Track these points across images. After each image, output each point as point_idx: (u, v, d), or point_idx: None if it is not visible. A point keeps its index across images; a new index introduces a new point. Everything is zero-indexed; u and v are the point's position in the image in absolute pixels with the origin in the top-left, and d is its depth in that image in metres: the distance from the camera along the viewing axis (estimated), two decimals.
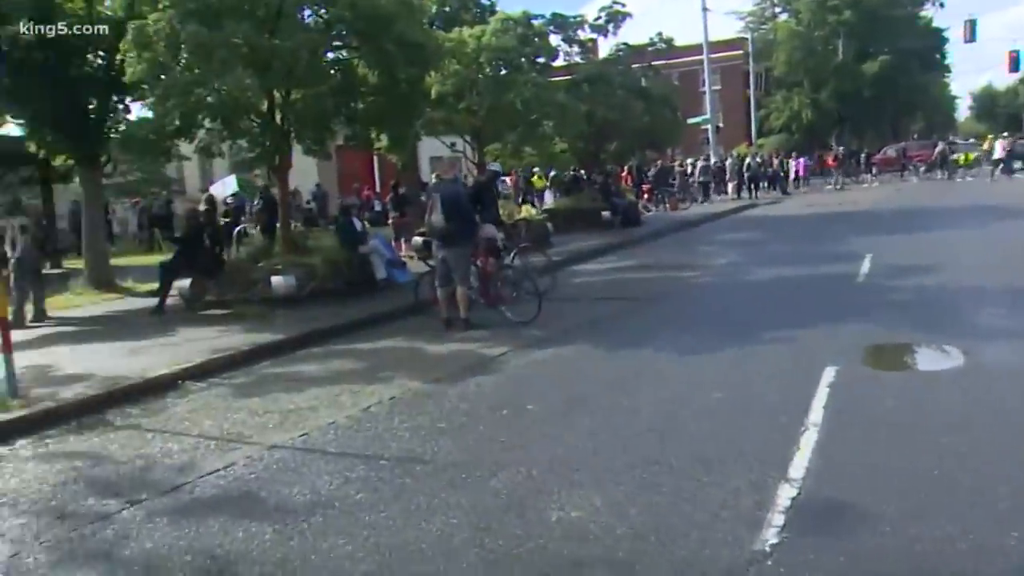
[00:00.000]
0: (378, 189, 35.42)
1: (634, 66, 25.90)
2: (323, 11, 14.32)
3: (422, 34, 14.34)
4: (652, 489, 5.31)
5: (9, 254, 13.94)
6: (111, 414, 8.12)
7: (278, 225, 15.93)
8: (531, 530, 4.84)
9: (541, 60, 20.73)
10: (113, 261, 18.99)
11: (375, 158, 35.91)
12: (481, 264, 11.65)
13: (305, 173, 27.07)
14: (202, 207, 16.71)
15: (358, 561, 4.63)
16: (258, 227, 20.00)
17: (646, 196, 31.10)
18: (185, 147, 15.81)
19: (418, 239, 19.03)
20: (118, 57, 17.88)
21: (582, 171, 28.55)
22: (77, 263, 20.67)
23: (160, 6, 12.99)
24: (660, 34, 27.04)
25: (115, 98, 18.40)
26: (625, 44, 26.00)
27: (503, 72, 18.98)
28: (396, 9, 13.41)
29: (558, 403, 7.46)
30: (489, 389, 8.09)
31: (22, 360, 8.93)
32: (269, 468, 6.27)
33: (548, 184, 29.57)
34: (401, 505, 5.34)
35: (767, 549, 4.40)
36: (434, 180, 26.38)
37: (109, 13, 17.23)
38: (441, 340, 10.45)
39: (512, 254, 13.31)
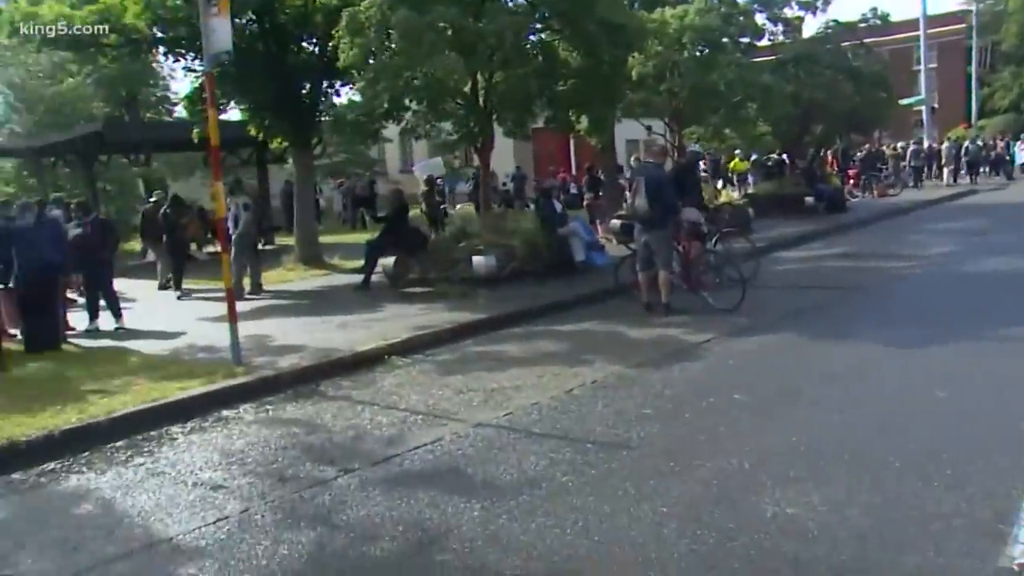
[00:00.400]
0: (573, 172, 35.46)
1: (843, 44, 24.63)
2: None
3: (624, 15, 14.17)
4: (874, 490, 4.98)
5: (231, 230, 14.87)
6: (324, 384, 8.48)
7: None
8: (744, 524, 4.64)
9: (745, 40, 20.03)
10: (320, 239, 19.87)
11: (571, 141, 35.99)
12: (683, 248, 11.40)
13: (500, 155, 27.51)
14: (422, 188, 17.20)
15: (567, 544, 4.58)
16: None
17: (852, 181, 29.60)
18: (387, 130, 16.41)
19: (615, 222, 18.91)
20: (331, 44, 18.82)
21: (784, 155, 27.50)
22: (287, 240, 21.85)
23: None
24: (875, 10, 25.62)
25: (326, 83, 19.30)
26: (835, 21, 24.79)
27: (706, 52, 18.46)
28: None
29: (768, 394, 7.16)
30: (694, 376, 7.87)
31: (243, 330, 9.44)
32: (475, 445, 6.33)
33: (750, 168, 28.65)
34: (609, 490, 5.25)
35: (1014, 568, 4.01)
36: (633, 162, 26.16)
37: (324, 2, 17.99)
38: (642, 324, 10.29)
39: (715, 239, 12.95)
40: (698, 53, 18.44)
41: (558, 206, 15.32)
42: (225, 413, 7.68)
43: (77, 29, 16.49)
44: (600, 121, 16.12)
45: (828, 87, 22.22)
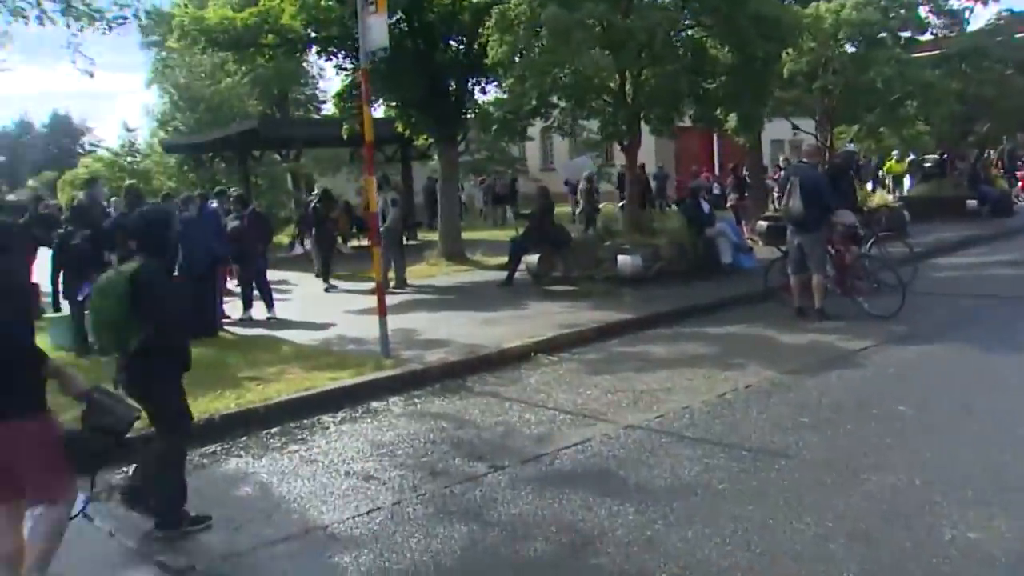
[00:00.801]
0: (716, 171, 34.73)
1: (1018, 35, 23.11)
2: None
3: (778, 9, 13.69)
4: None
5: (379, 225, 15.17)
6: (471, 380, 8.50)
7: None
8: (921, 546, 4.35)
9: (906, 34, 19.07)
10: (462, 235, 20.05)
11: (715, 140, 35.28)
12: (838, 252, 10.93)
13: (641, 154, 27.12)
14: (582, 185, 17.15)
15: (726, 554, 4.41)
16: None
17: (1021, 184, 27.84)
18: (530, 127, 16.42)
19: (762, 223, 18.39)
20: (477, 42, 18.98)
21: (944, 155, 26.09)
22: (429, 236, 22.17)
23: None
24: None
25: (472, 81, 19.48)
26: (1009, 10, 23.30)
27: (863, 48, 17.67)
28: None
29: (935, 407, 6.74)
30: (853, 385, 7.50)
31: (390, 323, 9.55)
32: (626, 447, 6.21)
33: (906, 169, 27.31)
34: (768, 500, 5.04)
35: None
36: (782, 162, 25.39)
37: (471, 1, 18.18)
38: (794, 330, 9.91)
39: (870, 243, 12.37)
40: (854, 48, 17.67)
41: (706, 206, 14.97)
42: (374, 405, 7.79)
43: (238, 30, 17.21)
44: (750, 120, 15.64)
45: (997, 83, 20.90)
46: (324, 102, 43.96)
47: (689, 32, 14.53)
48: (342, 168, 33.04)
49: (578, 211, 23.10)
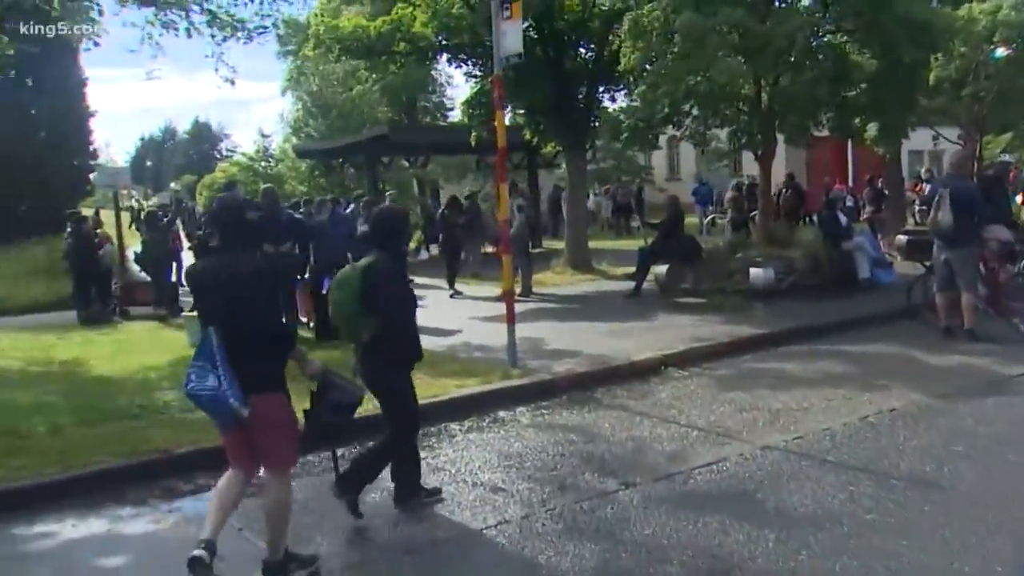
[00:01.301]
0: (850, 183, 33.53)
1: None
2: None
3: (928, 11, 13.04)
4: None
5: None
6: (599, 392, 8.32)
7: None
8: None
9: None
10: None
11: (849, 149, 34.09)
12: (990, 270, 10.29)
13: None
14: (729, 194, 16.82)
15: None
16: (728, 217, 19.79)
17: None
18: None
19: (902, 237, 17.56)
20: (607, 50, 18.80)
21: None
22: (554, 244, 22.07)
23: None
24: None
25: (601, 88, 19.32)
26: None
27: (1019, 51, 16.71)
28: None
29: None
30: (1013, 414, 6.97)
31: (517, 332, 9.45)
32: (764, 469, 5.92)
33: None
34: (922, 536, 4.69)
35: None
36: (924, 173, 24.28)
37: (602, 7, 18.02)
38: (941, 351, 9.34)
39: None
40: (1009, 52, 16.74)
41: (843, 218, 14.39)
42: (501, 414, 7.69)
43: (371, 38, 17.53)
44: (892, 129, 14.95)
45: None
46: (451, 109, 44.60)
47: (828, 37, 13.97)
48: (468, 175, 33.41)
49: (725, 220, 22.52)
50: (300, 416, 4.91)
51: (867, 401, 7.45)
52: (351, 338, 5.37)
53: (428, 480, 6.00)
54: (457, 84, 53.29)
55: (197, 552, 4.29)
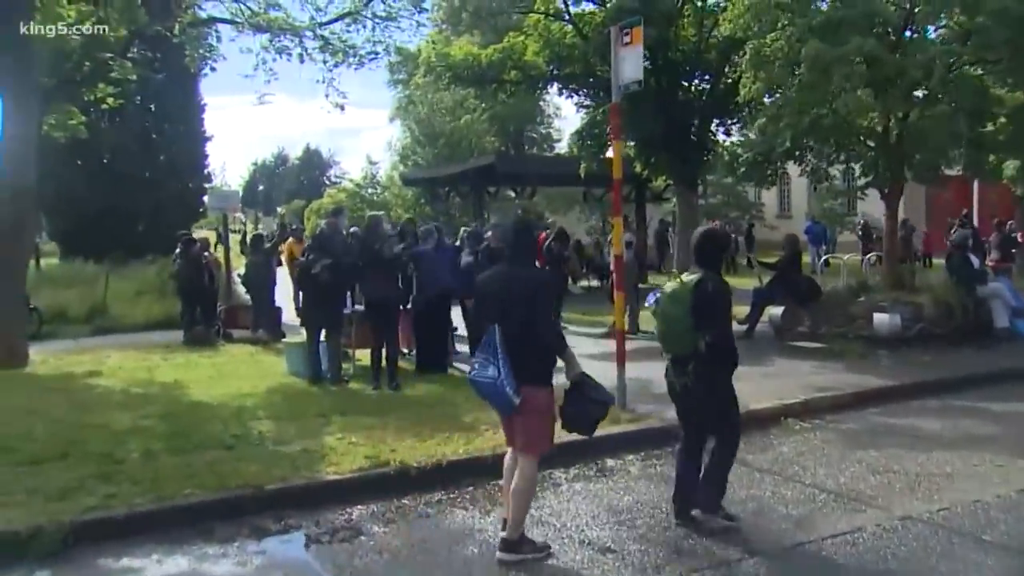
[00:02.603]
0: (975, 225, 31.84)
1: None
2: (954, 21, 12.74)
3: None
4: None
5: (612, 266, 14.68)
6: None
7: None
8: None
9: None
10: None
11: (975, 190, 32.47)
12: None
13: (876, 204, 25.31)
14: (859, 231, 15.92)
15: None
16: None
17: None
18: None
19: None
20: (722, 82, 18.24)
21: None
22: (659, 280, 21.41)
23: (779, 25, 12.62)
24: None
25: (715, 122, 18.75)
26: None
27: None
28: None
29: None
30: None
31: (625, 373, 8.95)
32: (907, 544, 5.26)
33: None
34: None
35: None
36: None
37: (720, 38, 17.51)
38: None
39: None
40: None
41: (975, 261, 13.41)
42: (609, 463, 7.18)
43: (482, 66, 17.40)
44: None
45: None
46: (558, 141, 44.53)
47: (966, 68, 13.09)
48: (574, 207, 33.02)
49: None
50: None
51: (1021, 470, 6.67)
52: (678, 349, 5.65)
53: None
54: (565, 115, 53.20)
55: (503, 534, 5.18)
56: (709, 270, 5.60)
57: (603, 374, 9.15)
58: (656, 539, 5.46)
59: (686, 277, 5.65)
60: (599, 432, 7.56)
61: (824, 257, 25.76)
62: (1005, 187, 26.50)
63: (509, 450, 5.47)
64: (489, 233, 14.77)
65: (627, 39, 8.22)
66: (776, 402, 8.74)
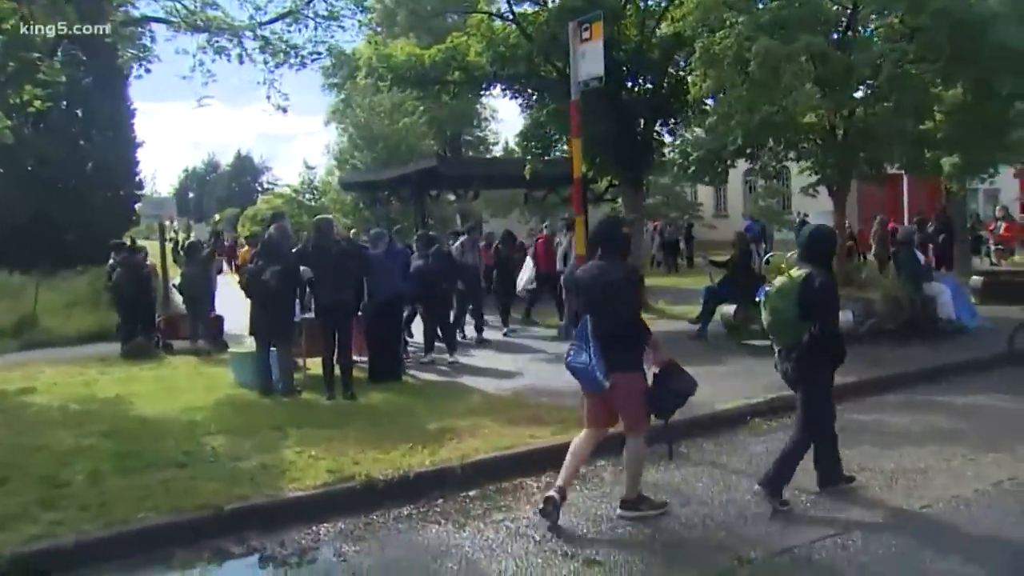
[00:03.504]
0: (905, 222, 32.48)
1: None
2: (897, 20, 12.82)
3: None
4: None
5: (560, 268, 14.54)
6: (684, 445, 7.52)
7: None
8: None
9: None
10: None
11: (904, 188, 33.13)
12: None
13: (812, 201, 25.58)
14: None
15: None
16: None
17: None
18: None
19: (976, 278, 16.74)
20: (665, 82, 18.21)
21: None
22: None
23: (728, 23, 12.59)
24: None
25: (659, 121, 18.71)
26: None
27: None
28: (998, 10, 11.53)
29: None
30: None
31: None
32: (896, 543, 5.15)
33: None
34: None
35: None
36: (997, 212, 23.32)
37: (662, 37, 17.50)
38: None
39: None
40: None
41: (921, 257, 13.55)
42: (581, 469, 6.95)
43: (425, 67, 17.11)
44: (976, 165, 14.15)
45: None
46: (495, 144, 44.41)
47: (909, 67, 13.18)
48: (514, 210, 32.83)
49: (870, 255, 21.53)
50: None
51: (994, 463, 6.65)
52: (785, 340, 5.93)
53: (512, 547, 5.31)
54: (502, 119, 53.14)
55: (551, 493, 5.67)
56: (817, 266, 5.84)
57: (565, 378, 9.07)
58: (644, 548, 5.27)
59: (794, 272, 5.92)
60: (568, 437, 7.45)
61: (765, 256, 25.98)
62: (933, 185, 27.08)
63: (585, 430, 6.00)
64: (464, 237, 14.63)
65: (587, 34, 8.05)
66: (742, 402, 8.66)
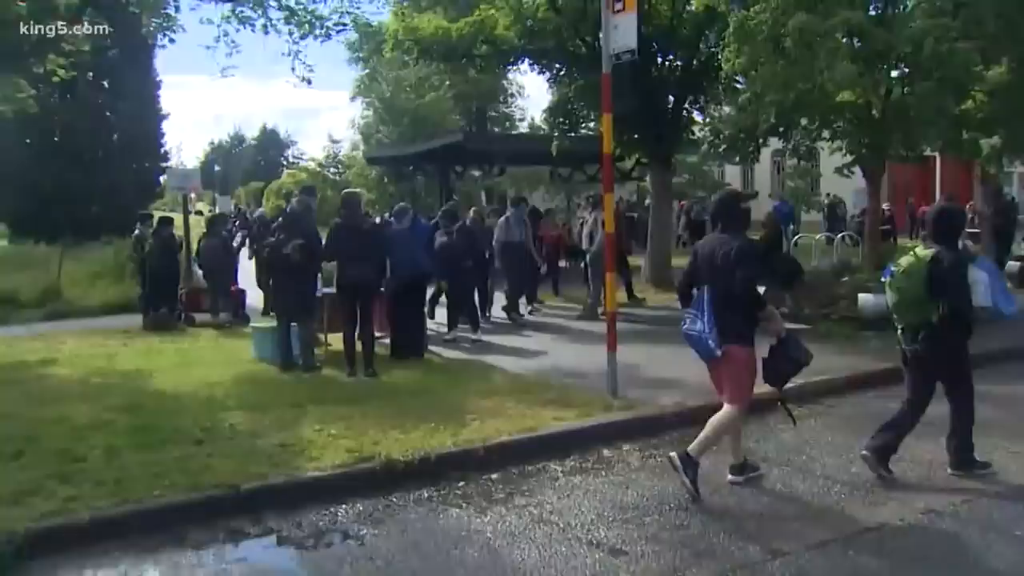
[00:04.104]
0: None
1: None
2: None
3: None
4: None
5: (586, 247, 14.30)
6: None
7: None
8: None
9: None
10: None
11: (938, 170, 32.56)
12: None
13: (841, 183, 25.14)
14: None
15: None
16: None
17: None
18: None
19: (1014, 263, 16.34)
20: (696, 58, 17.85)
21: None
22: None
23: None
24: None
25: (689, 99, 18.36)
26: None
27: None
28: None
29: None
30: None
31: (605, 356, 8.57)
32: (935, 539, 4.95)
33: None
34: None
35: None
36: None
37: (693, 13, 17.14)
38: None
39: None
40: None
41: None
42: (606, 453, 6.79)
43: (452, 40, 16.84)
44: (1018, 145, 13.72)
45: None
46: (521, 120, 44.04)
47: (952, 44, 12.78)
48: (539, 187, 32.56)
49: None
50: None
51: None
52: (911, 319, 6.02)
53: (535, 533, 5.15)
54: (528, 95, 52.69)
55: (732, 477, 6.07)
56: (944, 245, 5.92)
57: (590, 358, 8.90)
58: (669, 539, 5.07)
59: (920, 252, 5.99)
60: (594, 420, 7.33)
61: (794, 237, 25.61)
62: (965, 168, 26.54)
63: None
64: (512, 211, 14.41)
65: (620, 5, 7.77)
66: (769, 388, 8.39)
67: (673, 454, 5.81)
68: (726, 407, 5.93)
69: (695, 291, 5.99)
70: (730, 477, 6.04)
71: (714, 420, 5.91)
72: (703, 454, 5.80)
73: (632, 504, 5.67)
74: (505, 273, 13.91)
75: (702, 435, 5.84)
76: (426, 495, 5.94)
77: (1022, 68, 11.98)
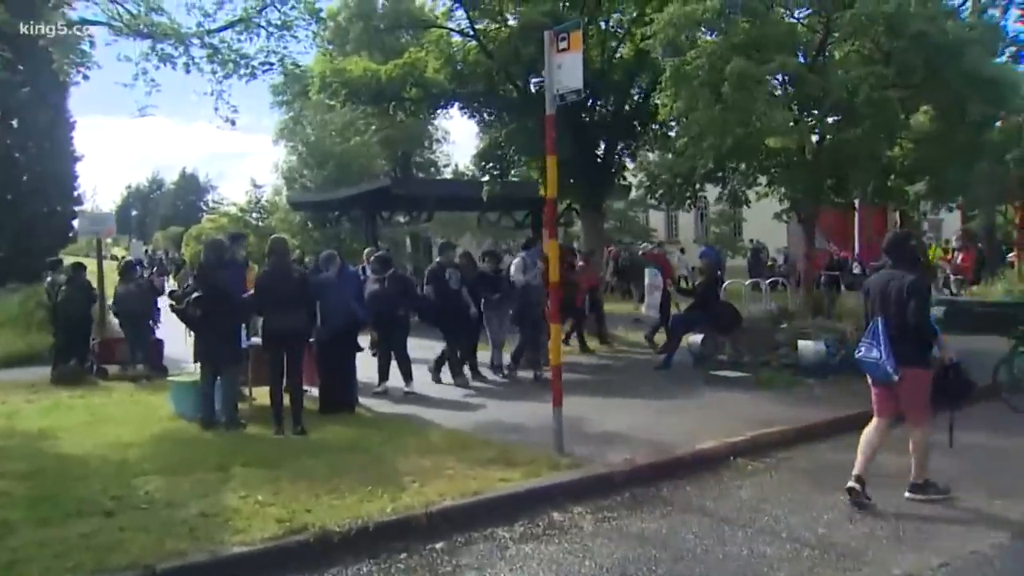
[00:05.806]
0: (856, 250, 32.43)
1: None
2: (872, 43, 12.48)
3: (996, 68, 12.03)
4: None
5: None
6: (665, 488, 7.00)
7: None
8: None
9: None
10: None
11: (856, 215, 33.16)
12: None
13: (765, 228, 25.36)
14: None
15: None
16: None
17: None
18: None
19: (938, 308, 16.48)
20: (627, 103, 17.84)
21: None
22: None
23: (700, 43, 12.19)
24: None
25: (620, 144, 18.32)
26: None
27: None
28: (969, 37, 11.31)
29: None
30: None
31: (544, 409, 8.18)
32: None
33: None
34: None
35: None
36: (955, 242, 23.21)
37: (623, 59, 17.16)
38: None
39: None
40: None
41: None
42: (557, 516, 6.33)
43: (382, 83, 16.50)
44: (945, 189, 13.89)
45: None
46: (446, 165, 43.83)
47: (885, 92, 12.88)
48: (465, 232, 32.22)
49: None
50: None
51: (1004, 509, 6.20)
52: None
53: None
54: (453, 140, 52.62)
55: (852, 484, 6.34)
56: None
57: (529, 412, 8.51)
58: None
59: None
60: (542, 481, 6.88)
61: (723, 284, 25.69)
62: (881, 214, 27.17)
63: (875, 420, 6.71)
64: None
65: (564, 44, 7.49)
66: (723, 440, 8.09)
67: (907, 494, 6.47)
68: (915, 433, 6.46)
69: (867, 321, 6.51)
70: (907, 494, 6.49)
71: (914, 449, 6.48)
72: (923, 476, 6.47)
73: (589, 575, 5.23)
74: (520, 319, 12.61)
75: (914, 466, 6.50)
76: (365, 570, 5.43)
77: (946, 117, 12.07)
